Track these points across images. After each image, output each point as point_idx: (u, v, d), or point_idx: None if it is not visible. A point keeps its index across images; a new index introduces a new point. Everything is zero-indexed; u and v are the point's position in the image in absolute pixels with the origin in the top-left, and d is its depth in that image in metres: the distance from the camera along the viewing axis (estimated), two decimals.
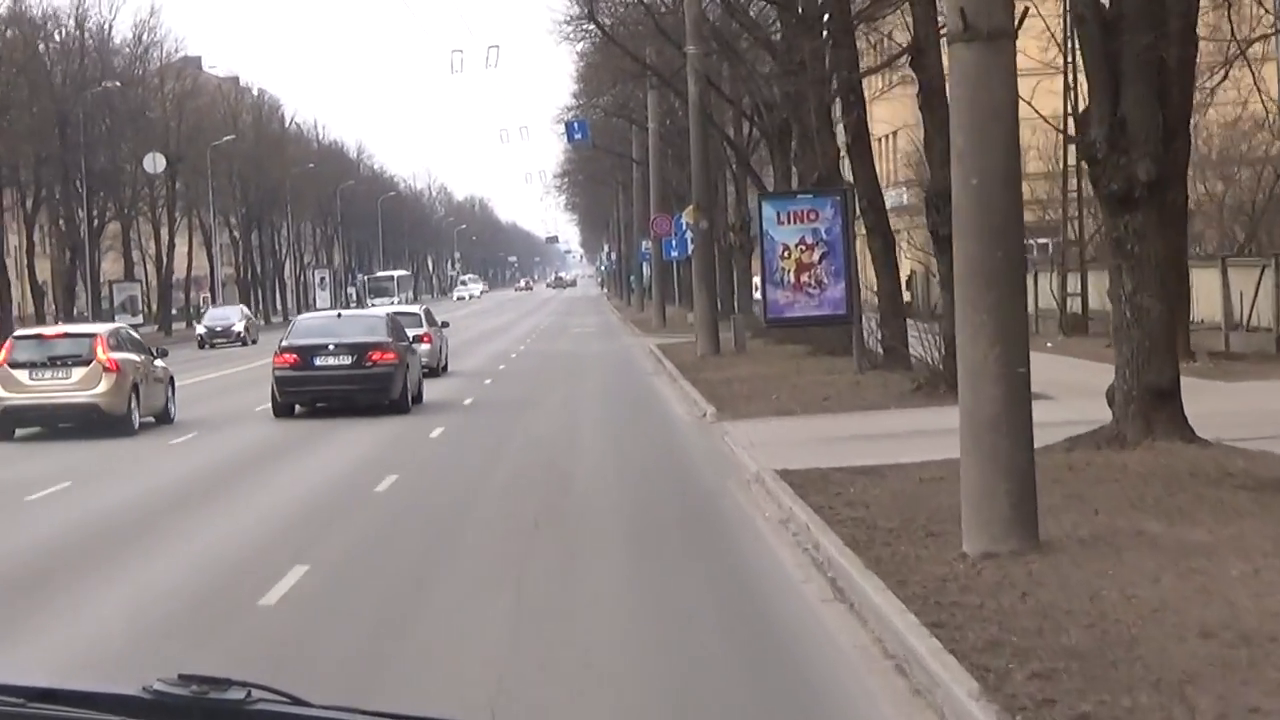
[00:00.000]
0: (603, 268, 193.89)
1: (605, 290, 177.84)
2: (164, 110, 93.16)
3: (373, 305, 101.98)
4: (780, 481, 16.01)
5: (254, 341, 67.27)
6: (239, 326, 70.64)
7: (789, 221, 29.09)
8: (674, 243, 62.82)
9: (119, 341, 26.76)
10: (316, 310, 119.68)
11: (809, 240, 29.07)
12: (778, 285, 29.16)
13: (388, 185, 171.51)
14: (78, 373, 25.27)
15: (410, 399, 28.67)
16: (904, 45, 27.24)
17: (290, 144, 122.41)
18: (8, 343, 27.01)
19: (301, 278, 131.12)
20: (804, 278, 29.10)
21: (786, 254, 29.06)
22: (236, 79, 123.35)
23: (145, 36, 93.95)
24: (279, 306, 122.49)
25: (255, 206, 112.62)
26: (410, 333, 32.01)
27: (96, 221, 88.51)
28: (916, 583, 10.41)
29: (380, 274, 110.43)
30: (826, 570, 11.88)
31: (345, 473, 19.81)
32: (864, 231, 31.03)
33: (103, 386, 25.20)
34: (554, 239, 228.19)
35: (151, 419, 26.93)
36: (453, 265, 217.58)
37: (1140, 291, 16.28)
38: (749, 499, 16.20)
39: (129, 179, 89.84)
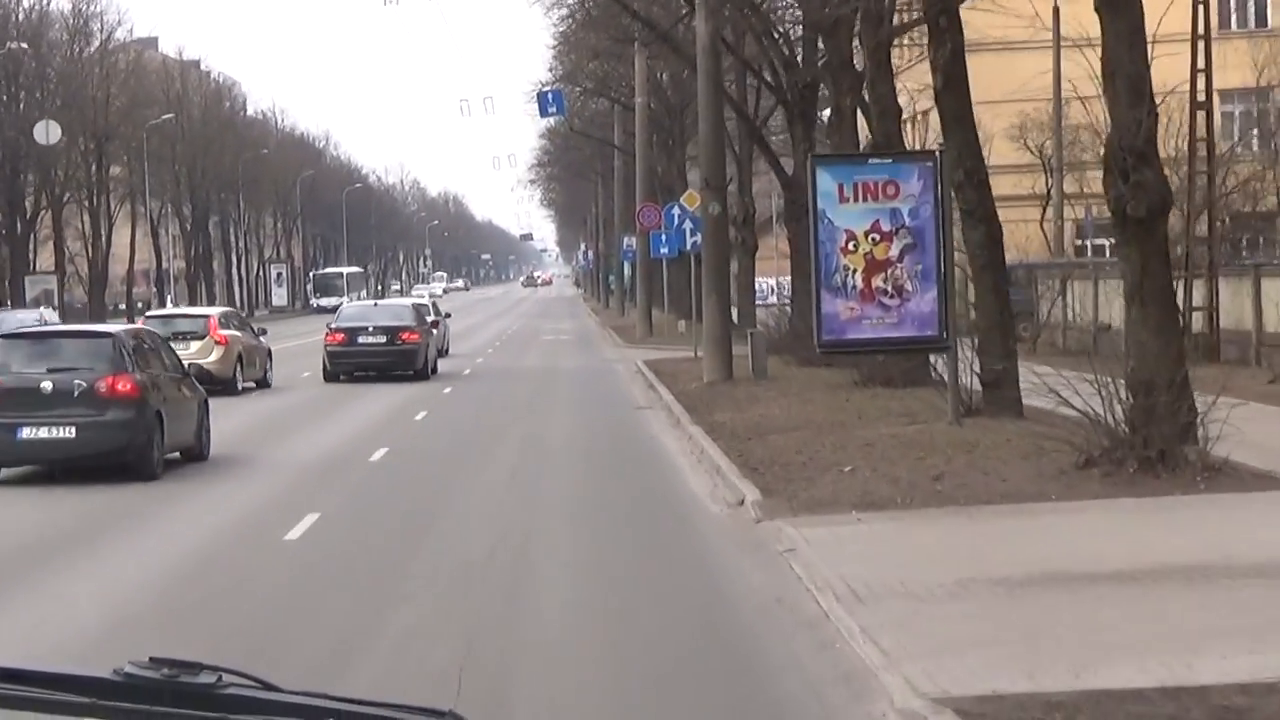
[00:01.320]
0: (579, 267, 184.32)
1: (582, 291, 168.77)
2: (91, 86, 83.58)
3: (317, 300, 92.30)
4: None
5: None
6: None
7: (856, 198, 19.51)
8: (664, 238, 53.65)
9: (227, 321, 33.59)
10: (274, 306, 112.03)
11: (885, 226, 19.52)
12: (838, 292, 19.56)
13: (355, 177, 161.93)
14: (194, 345, 31.42)
15: (430, 369, 36.78)
16: None
17: (242, 127, 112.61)
18: (140, 321, 33.77)
19: (259, 272, 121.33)
20: (877, 281, 19.55)
21: (852, 246, 19.49)
22: (196, 62, 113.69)
23: (85, 8, 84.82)
24: (230, 303, 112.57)
25: (201, 193, 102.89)
26: None
27: (30, 208, 79.63)
28: None
29: (329, 270, 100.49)
30: None
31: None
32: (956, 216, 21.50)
33: (214, 356, 31.72)
34: (528, 236, 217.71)
35: (253, 384, 33.55)
36: (424, 262, 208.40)
37: None
38: None
39: (60, 161, 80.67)
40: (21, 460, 18.80)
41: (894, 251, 19.56)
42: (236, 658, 3.34)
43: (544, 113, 52.02)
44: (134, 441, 18.31)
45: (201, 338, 31.94)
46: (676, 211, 53.73)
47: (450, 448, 21.91)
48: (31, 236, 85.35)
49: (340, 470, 19.64)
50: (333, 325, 36.23)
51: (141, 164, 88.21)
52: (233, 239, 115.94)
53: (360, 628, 10.24)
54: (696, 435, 21.06)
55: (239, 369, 32.50)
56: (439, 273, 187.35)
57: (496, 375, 38.20)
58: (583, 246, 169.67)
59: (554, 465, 20.00)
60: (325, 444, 22.67)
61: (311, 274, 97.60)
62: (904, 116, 29.33)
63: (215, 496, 17.60)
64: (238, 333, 33.37)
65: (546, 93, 52.48)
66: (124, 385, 18.37)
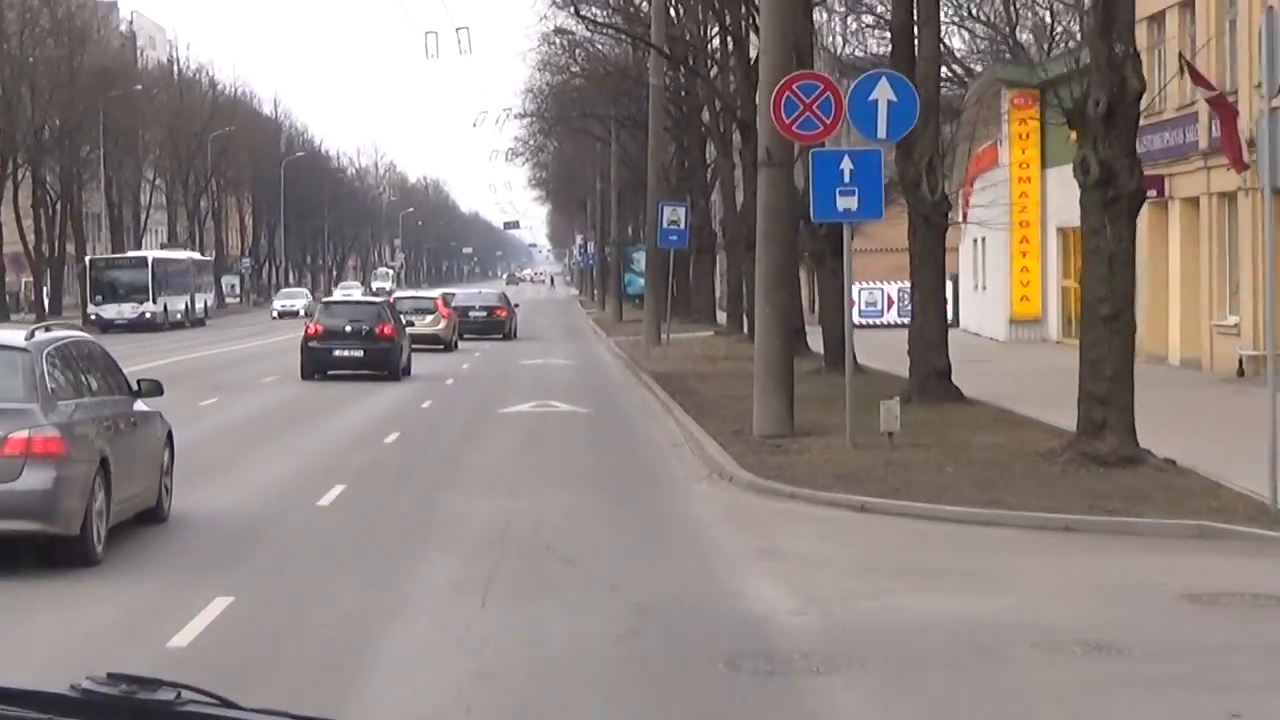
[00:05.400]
0: (574, 263, 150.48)
1: (578, 293, 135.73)
2: None
3: (97, 307, 59.75)
4: None
5: None
6: None
7: None
8: (844, 172, 19.08)
9: (445, 301, 52.45)
10: None
11: None
12: None
13: (300, 144, 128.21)
14: (429, 318, 48.31)
15: (514, 333, 57.93)
16: None
17: (100, 56, 78.02)
18: (392, 299, 49.16)
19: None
20: None
21: None
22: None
23: None
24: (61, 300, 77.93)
25: (27, 138, 68.60)
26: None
27: None
28: None
29: (116, 255, 65.23)
30: None
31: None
32: None
33: (441, 325, 48.87)
34: (513, 224, 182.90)
35: (455, 346, 51.07)
36: (393, 254, 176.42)
37: None
38: None
39: None
40: (333, 368, 35.03)
41: None
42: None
43: None
44: (390, 360, 35.31)
45: (431, 312, 48.74)
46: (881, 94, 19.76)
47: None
48: None
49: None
50: (453, 305, 54.37)
51: None
52: (141, 216, 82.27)
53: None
54: None
55: (454, 333, 49.99)
56: (383, 268, 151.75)
57: None
58: (579, 238, 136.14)
59: None
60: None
61: (88, 259, 62.45)
62: None
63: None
64: (450, 309, 51.10)
65: None
66: (388, 329, 35.46)
